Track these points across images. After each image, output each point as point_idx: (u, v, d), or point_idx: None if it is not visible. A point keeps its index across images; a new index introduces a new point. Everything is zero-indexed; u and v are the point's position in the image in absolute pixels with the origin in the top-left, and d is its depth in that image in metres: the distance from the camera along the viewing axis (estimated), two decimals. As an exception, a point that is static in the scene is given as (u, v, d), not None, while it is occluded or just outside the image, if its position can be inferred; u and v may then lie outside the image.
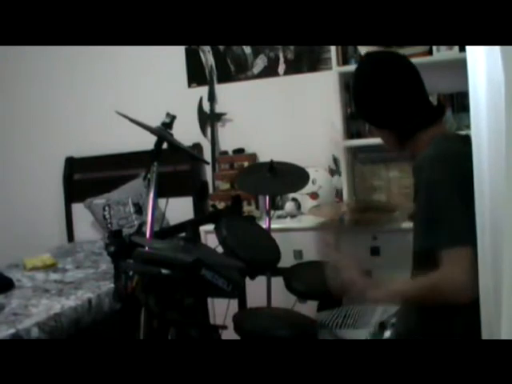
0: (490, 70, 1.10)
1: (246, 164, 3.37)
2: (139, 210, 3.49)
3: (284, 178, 2.59)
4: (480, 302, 1.20)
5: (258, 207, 3.23)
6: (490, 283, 1.15)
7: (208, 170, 3.59)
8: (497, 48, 1.06)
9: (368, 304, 1.68)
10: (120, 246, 1.90)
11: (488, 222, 1.14)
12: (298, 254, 2.82)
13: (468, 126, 1.18)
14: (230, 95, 3.53)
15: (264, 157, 3.34)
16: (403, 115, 1.66)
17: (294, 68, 3.39)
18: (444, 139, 1.63)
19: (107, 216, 3.50)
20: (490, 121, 1.10)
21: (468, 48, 1.17)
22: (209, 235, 2.86)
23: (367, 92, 1.70)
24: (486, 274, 1.17)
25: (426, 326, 1.58)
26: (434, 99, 2.82)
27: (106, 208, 3.52)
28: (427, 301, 1.49)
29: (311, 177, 2.74)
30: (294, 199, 3.17)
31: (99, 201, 3.57)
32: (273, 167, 2.58)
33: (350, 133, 3.01)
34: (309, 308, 2.17)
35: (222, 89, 3.55)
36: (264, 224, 2.63)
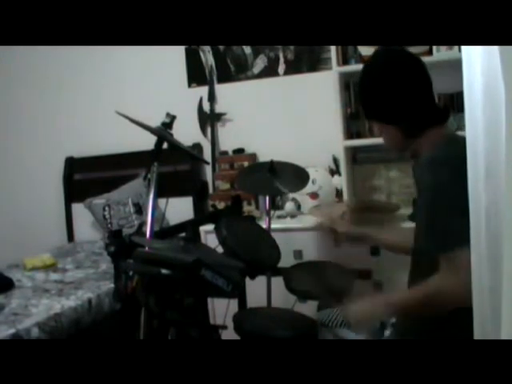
0: (486, 70, 1.09)
1: (246, 164, 3.37)
2: (139, 210, 3.49)
3: (284, 178, 2.59)
4: (473, 302, 1.20)
5: (257, 207, 3.23)
6: (485, 283, 1.15)
7: (208, 170, 3.59)
8: (494, 48, 1.06)
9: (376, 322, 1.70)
10: (120, 245, 1.90)
11: (483, 222, 1.14)
12: (298, 254, 2.82)
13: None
14: (230, 95, 3.53)
15: (264, 157, 3.34)
16: (411, 111, 1.65)
17: (293, 68, 3.39)
18: (448, 142, 1.62)
19: (107, 216, 3.50)
20: (487, 120, 1.10)
21: (463, 48, 1.17)
22: (209, 235, 2.86)
23: (377, 85, 1.69)
24: (480, 275, 1.16)
25: (425, 325, 1.58)
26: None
27: (106, 208, 3.52)
28: (429, 307, 1.50)
29: (311, 177, 2.74)
30: (293, 199, 3.17)
31: (99, 201, 3.57)
32: (273, 167, 2.58)
33: (350, 133, 3.01)
34: (309, 308, 2.17)
35: (221, 89, 3.55)
36: (264, 224, 2.63)
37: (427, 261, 1.58)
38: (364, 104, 1.77)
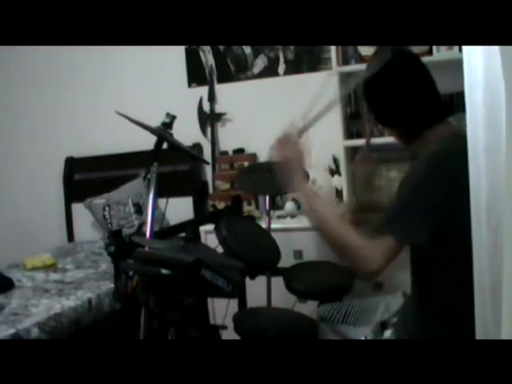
0: (487, 70, 1.10)
1: (246, 164, 3.37)
2: (139, 210, 3.49)
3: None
4: (474, 302, 1.20)
5: (257, 207, 3.23)
6: (486, 282, 1.15)
7: (208, 170, 3.59)
8: (495, 48, 1.06)
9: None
10: (120, 246, 1.90)
11: (484, 220, 1.14)
12: (298, 254, 2.82)
13: (468, 126, 1.18)
14: (230, 95, 3.53)
15: (264, 157, 3.33)
16: (406, 115, 1.66)
17: (293, 68, 3.39)
18: (450, 138, 1.62)
19: (107, 216, 3.50)
20: (488, 120, 1.10)
21: (464, 48, 1.16)
22: (209, 235, 2.86)
23: (373, 90, 1.71)
24: (481, 273, 1.16)
25: (426, 326, 1.58)
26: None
27: (106, 208, 3.52)
28: (337, 251, 1.54)
29: (311, 177, 2.74)
30: (294, 199, 3.17)
31: (99, 201, 3.57)
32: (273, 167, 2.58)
33: (350, 133, 3.01)
34: (309, 308, 2.17)
35: (221, 89, 3.55)
36: (264, 224, 2.63)
37: (427, 258, 1.58)
38: (367, 104, 1.80)
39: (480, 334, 1.18)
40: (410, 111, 1.65)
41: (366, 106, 1.83)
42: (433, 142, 1.61)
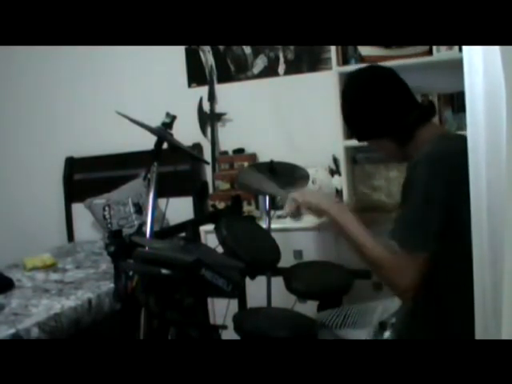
0: (487, 70, 1.10)
1: (246, 164, 3.37)
2: (139, 210, 3.49)
3: (284, 178, 2.59)
4: (474, 301, 1.20)
5: (258, 207, 3.23)
6: (486, 283, 1.15)
7: (208, 170, 3.59)
8: (495, 48, 1.06)
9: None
10: (120, 245, 1.90)
11: (485, 220, 1.14)
12: (298, 254, 2.82)
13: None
14: (230, 95, 3.53)
15: (264, 157, 3.34)
16: (396, 118, 1.68)
17: (294, 68, 3.39)
18: (443, 138, 1.64)
19: (107, 216, 3.50)
20: (489, 120, 1.10)
21: (464, 48, 1.17)
22: (209, 235, 2.86)
23: (356, 112, 1.75)
24: (482, 273, 1.16)
25: (425, 326, 1.58)
26: (433, 99, 2.84)
27: (106, 208, 3.52)
28: (373, 269, 1.61)
29: (311, 177, 2.74)
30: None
31: (99, 201, 3.57)
32: (273, 167, 2.58)
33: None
34: (309, 308, 2.17)
35: (221, 89, 3.56)
36: (264, 224, 2.63)
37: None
38: (352, 129, 1.84)
39: (480, 334, 1.18)
40: (392, 117, 1.68)
41: (347, 126, 1.87)
42: (423, 144, 1.61)
